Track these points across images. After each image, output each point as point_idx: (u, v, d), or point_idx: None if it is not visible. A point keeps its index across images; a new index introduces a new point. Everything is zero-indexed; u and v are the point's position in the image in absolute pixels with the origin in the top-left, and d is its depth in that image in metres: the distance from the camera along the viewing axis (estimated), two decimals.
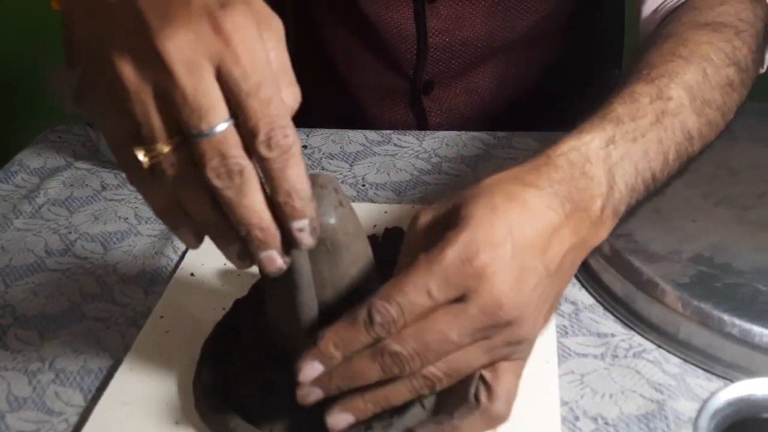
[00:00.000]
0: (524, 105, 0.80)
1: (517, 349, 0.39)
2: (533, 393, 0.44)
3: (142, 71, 0.32)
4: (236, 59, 0.32)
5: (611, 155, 0.44)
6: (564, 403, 0.44)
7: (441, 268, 0.36)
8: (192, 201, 0.35)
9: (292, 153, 0.33)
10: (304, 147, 0.71)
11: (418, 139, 0.71)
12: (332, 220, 0.39)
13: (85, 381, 0.48)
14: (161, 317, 0.52)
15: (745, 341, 0.44)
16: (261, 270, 0.37)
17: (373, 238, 0.49)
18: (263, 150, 0.33)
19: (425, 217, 0.40)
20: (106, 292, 0.55)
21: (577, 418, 0.43)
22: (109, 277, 0.57)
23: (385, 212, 0.61)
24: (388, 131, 0.73)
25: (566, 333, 0.49)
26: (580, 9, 0.80)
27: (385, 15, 0.75)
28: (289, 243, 0.36)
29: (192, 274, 0.56)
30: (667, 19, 0.60)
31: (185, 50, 0.32)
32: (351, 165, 0.68)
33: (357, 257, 0.41)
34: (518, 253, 0.37)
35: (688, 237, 0.50)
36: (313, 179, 0.40)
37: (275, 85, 0.33)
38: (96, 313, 0.54)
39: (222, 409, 0.43)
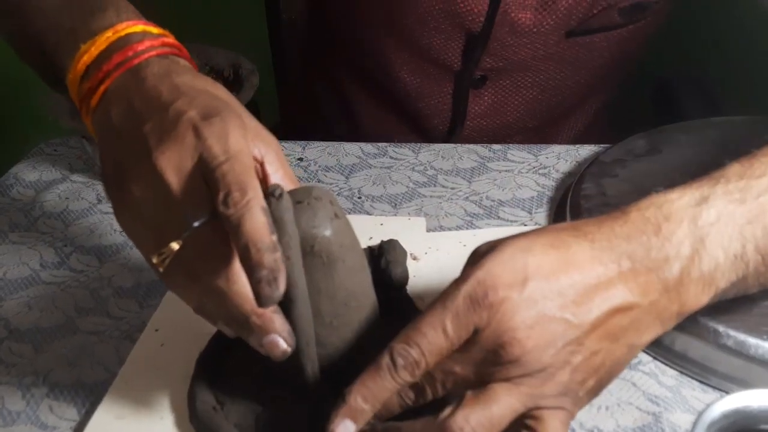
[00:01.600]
0: None
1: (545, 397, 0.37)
2: None
3: (146, 183, 0.38)
4: (209, 150, 0.37)
5: (701, 215, 0.38)
6: None
7: (453, 305, 0.36)
8: (199, 299, 0.38)
9: (249, 207, 0.35)
10: (300, 160, 0.71)
11: (413, 151, 0.72)
12: (327, 233, 0.40)
13: (79, 395, 0.48)
14: (156, 330, 0.52)
15: (741, 353, 0.44)
16: (272, 356, 0.37)
17: (369, 251, 0.49)
18: (222, 209, 0.35)
19: (482, 247, 0.39)
20: (101, 306, 0.55)
21: (573, 431, 0.43)
22: (104, 291, 0.57)
23: (381, 224, 0.61)
24: (384, 144, 0.73)
25: None
26: (618, 84, 0.79)
27: (423, 87, 0.74)
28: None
29: None
30: None
31: (174, 158, 0.37)
32: (347, 177, 0.68)
33: (353, 269, 0.41)
34: (540, 297, 0.36)
35: None
36: (308, 191, 0.40)
37: (239, 163, 0.36)
38: (91, 327, 0.53)
39: (217, 423, 0.43)
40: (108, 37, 0.41)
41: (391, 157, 0.71)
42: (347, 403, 0.37)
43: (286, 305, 0.39)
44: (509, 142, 0.71)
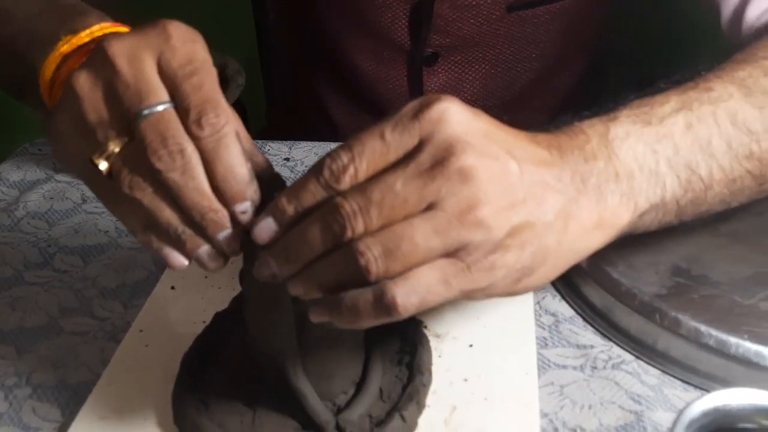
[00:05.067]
0: None
1: (473, 239, 0.33)
2: (513, 404, 0.44)
3: (92, 75, 0.35)
4: (173, 52, 0.34)
5: (610, 131, 0.39)
6: (543, 415, 0.44)
7: (398, 114, 0.34)
8: (151, 202, 0.34)
9: (224, 133, 0.34)
10: (287, 160, 0.71)
11: None
12: None
13: (62, 396, 0.48)
14: (140, 331, 0.51)
15: (722, 352, 0.45)
16: (225, 253, 0.35)
17: None
18: (195, 129, 0.34)
19: None
20: (85, 306, 0.55)
21: (556, 430, 0.43)
22: (88, 291, 0.56)
23: None
24: None
25: (546, 344, 0.49)
26: (580, 66, 0.80)
27: (380, 72, 0.75)
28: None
29: (172, 288, 0.55)
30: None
31: (127, 46, 0.34)
32: None
33: None
34: (488, 128, 0.34)
35: (665, 249, 0.51)
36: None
37: (211, 77, 0.34)
38: (74, 327, 0.53)
39: (201, 424, 0.43)
40: (92, 31, 0.41)
41: None
42: (273, 201, 0.34)
43: (268, 305, 0.39)
44: None
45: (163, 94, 0.34)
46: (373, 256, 0.32)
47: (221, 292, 0.54)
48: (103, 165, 0.35)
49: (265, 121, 0.94)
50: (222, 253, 0.36)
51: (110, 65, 0.34)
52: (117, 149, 0.35)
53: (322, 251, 0.33)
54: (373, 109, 0.79)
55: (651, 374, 0.47)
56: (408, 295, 0.33)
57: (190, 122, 0.34)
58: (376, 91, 0.77)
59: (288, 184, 0.41)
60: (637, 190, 0.39)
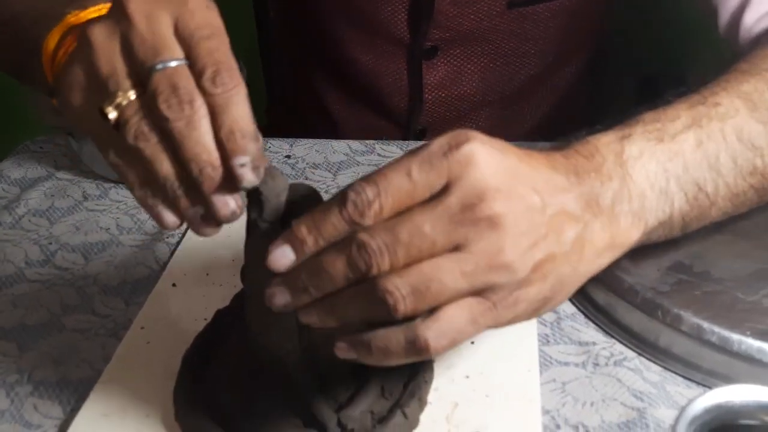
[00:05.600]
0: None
1: (500, 281, 0.34)
2: (515, 401, 0.44)
3: (109, 28, 0.35)
4: (191, 15, 0.35)
5: (625, 150, 0.40)
6: (545, 412, 0.44)
7: (425, 152, 0.34)
8: (153, 153, 0.34)
9: (237, 91, 0.34)
10: (288, 157, 0.71)
11: (401, 149, 0.72)
12: None
13: (64, 393, 0.48)
14: (142, 328, 0.51)
15: (724, 349, 0.44)
16: (217, 216, 0.35)
17: None
18: (209, 86, 0.34)
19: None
20: (86, 303, 0.55)
21: (558, 427, 0.43)
22: (90, 288, 0.56)
23: None
24: (372, 141, 0.73)
25: (548, 341, 0.49)
26: (579, 63, 0.80)
27: (379, 66, 0.75)
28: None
29: (173, 285, 0.55)
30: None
31: (146, 4, 0.35)
32: (335, 175, 0.68)
33: None
34: (513, 165, 0.35)
35: (667, 246, 0.51)
36: (296, 188, 0.40)
37: (226, 43, 0.35)
38: (76, 325, 0.53)
39: (203, 421, 0.43)
40: (101, 8, 0.42)
41: (379, 155, 0.71)
42: (291, 230, 0.34)
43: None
44: (474, 119, 0.71)
45: (179, 51, 0.35)
46: (401, 295, 0.33)
47: (222, 289, 0.54)
48: (112, 114, 0.35)
49: (265, 119, 0.94)
50: (214, 217, 0.35)
51: (127, 20, 0.35)
52: (126, 101, 0.35)
53: (344, 286, 0.34)
54: (373, 104, 0.79)
55: (653, 371, 0.47)
56: (439, 337, 0.33)
57: (204, 79, 0.34)
58: (375, 86, 0.77)
59: (289, 181, 0.41)
60: (647, 209, 0.40)
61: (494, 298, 0.34)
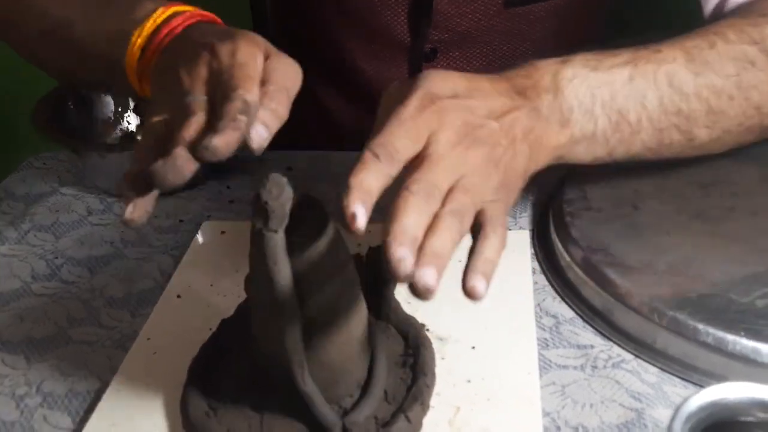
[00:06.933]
0: None
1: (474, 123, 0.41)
2: (515, 404, 0.45)
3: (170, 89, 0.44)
4: (219, 63, 0.42)
5: (560, 72, 0.48)
6: (546, 414, 0.45)
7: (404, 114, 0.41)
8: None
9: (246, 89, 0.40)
10: (289, 169, 0.72)
11: None
12: (318, 239, 0.41)
13: (72, 404, 0.49)
14: (148, 339, 0.52)
15: (719, 349, 0.45)
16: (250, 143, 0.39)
17: (357, 258, 0.50)
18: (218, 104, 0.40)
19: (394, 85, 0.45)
20: (92, 316, 0.56)
21: (558, 428, 0.44)
22: (96, 301, 0.57)
23: (369, 231, 0.62)
24: None
25: (547, 345, 0.50)
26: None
27: (381, 72, 0.76)
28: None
29: (178, 296, 0.56)
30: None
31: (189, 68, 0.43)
32: (336, 186, 0.69)
33: (342, 275, 0.42)
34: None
35: (662, 250, 0.52)
36: (300, 199, 0.41)
37: (237, 76, 0.41)
38: (83, 337, 0.54)
39: (210, 429, 0.44)
40: (155, 18, 0.49)
41: None
42: (351, 187, 0.36)
43: (275, 311, 0.40)
44: None
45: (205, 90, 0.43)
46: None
47: (227, 299, 0.55)
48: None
49: None
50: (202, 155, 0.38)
51: (178, 81, 0.43)
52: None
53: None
54: (374, 109, 0.80)
55: (650, 372, 0.47)
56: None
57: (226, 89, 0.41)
58: (377, 90, 0.78)
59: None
60: (573, 122, 0.48)
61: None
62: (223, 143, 0.37)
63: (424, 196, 0.37)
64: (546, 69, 0.48)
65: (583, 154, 0.50)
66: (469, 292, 0.36)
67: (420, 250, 0.36)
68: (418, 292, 0.34)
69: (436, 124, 0.40)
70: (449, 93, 0.43)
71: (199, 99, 0.41)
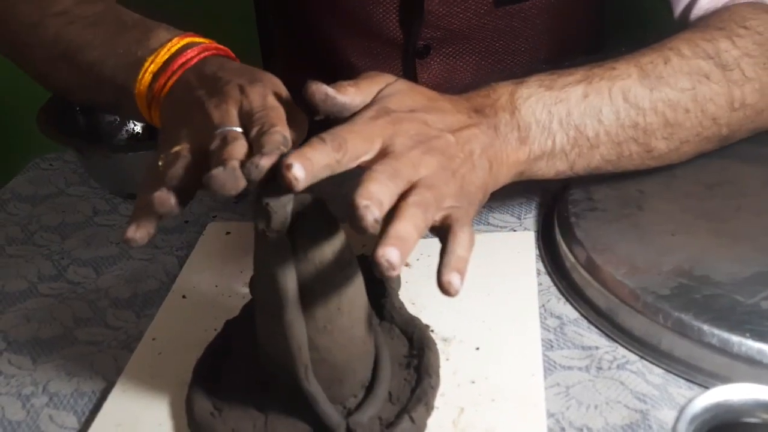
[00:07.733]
0: None
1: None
2: (520, 405, 0.45)
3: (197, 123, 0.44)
4: (251, 102, 0.43)
5: (517, 92, 0.50)
6: (550, 415, 0.45)
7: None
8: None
9: (275, 131, 0.41)
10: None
11: None
12: (321, 240, 0.41)
13: (78, 404, 0.49)
14: (153, 340, 0.53)
15: (725, 350, 0.45)
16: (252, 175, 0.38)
17: (361, 258, 0.50)
18: (256, 136, 0.41)
19: None
20: (98, 316, 0.56)
21: (563, 429, 0.44)
22: (102, 302, 0.58)
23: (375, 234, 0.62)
24: None
25: (552, 347, 0.50)
26: (573, 60, 0.82)
27: (374, 68, 0.77)
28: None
29: (183, 297, 0.56)
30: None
31: (219, 104, 0.44)
32: (340, 185, 0.69)
33: (345, 276, 0.42)
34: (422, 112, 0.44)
35: (667, 250, 0.52)
36: (302, 199, 0.41)
37: (272, 116, 0.42)
38: (89, 337, 0.54)
39: (215, 429, 0.44)
40: (170, 47, 0.49)
41: None
42: (293, 154, 0.37)
43: (279, 312, 0.40)
44: None
45: (236, 122, 0.43)
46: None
47: (231, 300, 0.55)
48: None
49: None
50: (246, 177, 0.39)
51: (208, 116, 0.44)
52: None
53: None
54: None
55: (655, 373, 0.47)
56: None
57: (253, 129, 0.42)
58: None
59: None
60: (531, 139, 0.50)
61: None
62: (269, 164, 0.38)
63: (388, 176, 0.39)
64: (503, 89, 0.50)
65: (545, 169, 0.51)
66: (445, 288, 0.37)
67: (383, 233, 0.37)
68: (382, 268, 0.35)
69: (390, 132, 0.41)
70: (406, 108, 0.44)
71: (236, 130, 0.42)
